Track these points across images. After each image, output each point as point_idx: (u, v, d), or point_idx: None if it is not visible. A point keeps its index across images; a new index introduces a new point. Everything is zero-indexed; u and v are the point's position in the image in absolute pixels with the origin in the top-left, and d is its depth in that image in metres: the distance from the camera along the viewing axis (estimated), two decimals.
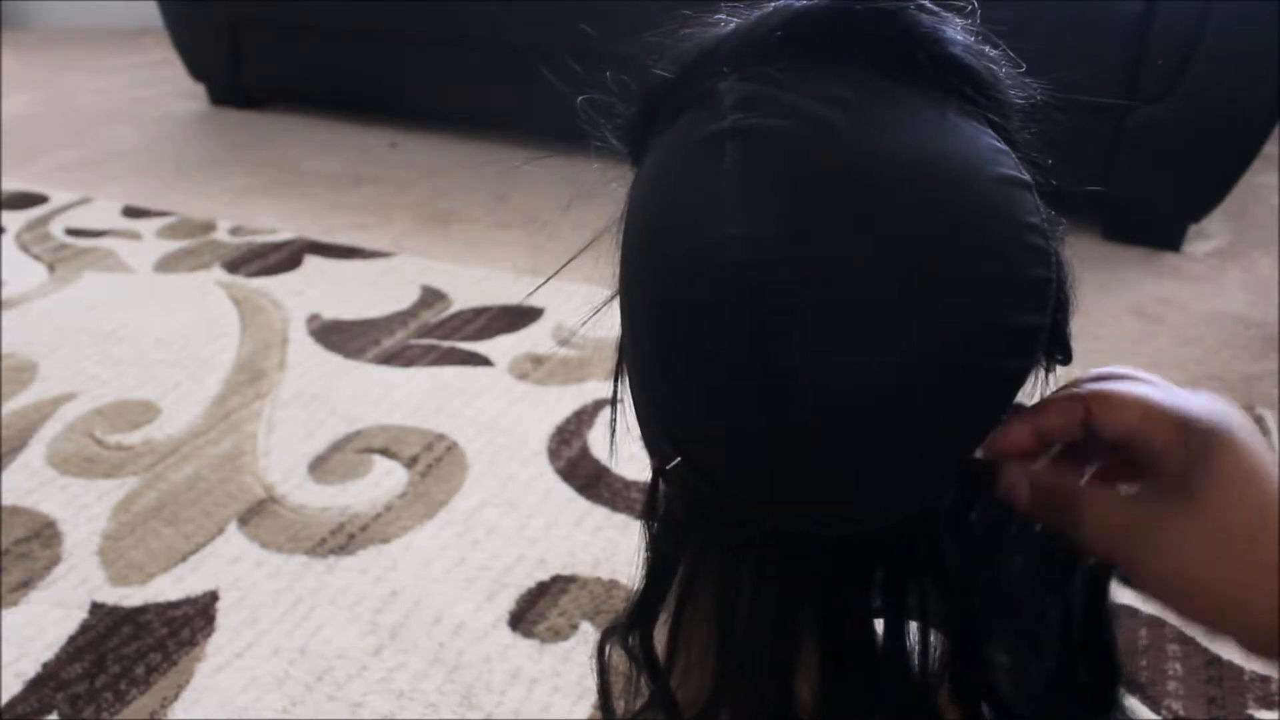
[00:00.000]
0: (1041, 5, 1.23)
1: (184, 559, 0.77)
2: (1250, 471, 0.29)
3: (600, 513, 0.83)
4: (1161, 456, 0.30)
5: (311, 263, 1.35)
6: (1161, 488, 0.30)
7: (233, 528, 0.81)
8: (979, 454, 0.33)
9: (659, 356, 0.33)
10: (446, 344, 1.12)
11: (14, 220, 1.51)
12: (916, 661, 0.37)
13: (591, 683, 0.65)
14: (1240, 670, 0.67)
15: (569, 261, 0.43)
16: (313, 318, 1.19)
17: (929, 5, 0.31)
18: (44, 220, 1.51)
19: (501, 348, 1.11)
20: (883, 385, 0.29)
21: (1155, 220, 1.42)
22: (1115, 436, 0.31)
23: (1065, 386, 0.34)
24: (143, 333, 1.15)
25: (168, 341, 1.12)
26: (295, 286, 1.28)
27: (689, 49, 0.34)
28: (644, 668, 0.40)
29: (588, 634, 0.70)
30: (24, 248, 1.40)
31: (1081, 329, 1.11)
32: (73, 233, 1.46)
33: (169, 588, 0.74)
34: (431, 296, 1.25)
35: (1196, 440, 0.29)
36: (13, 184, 1.68)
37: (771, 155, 0.29)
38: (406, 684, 0.66)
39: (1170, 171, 1.34)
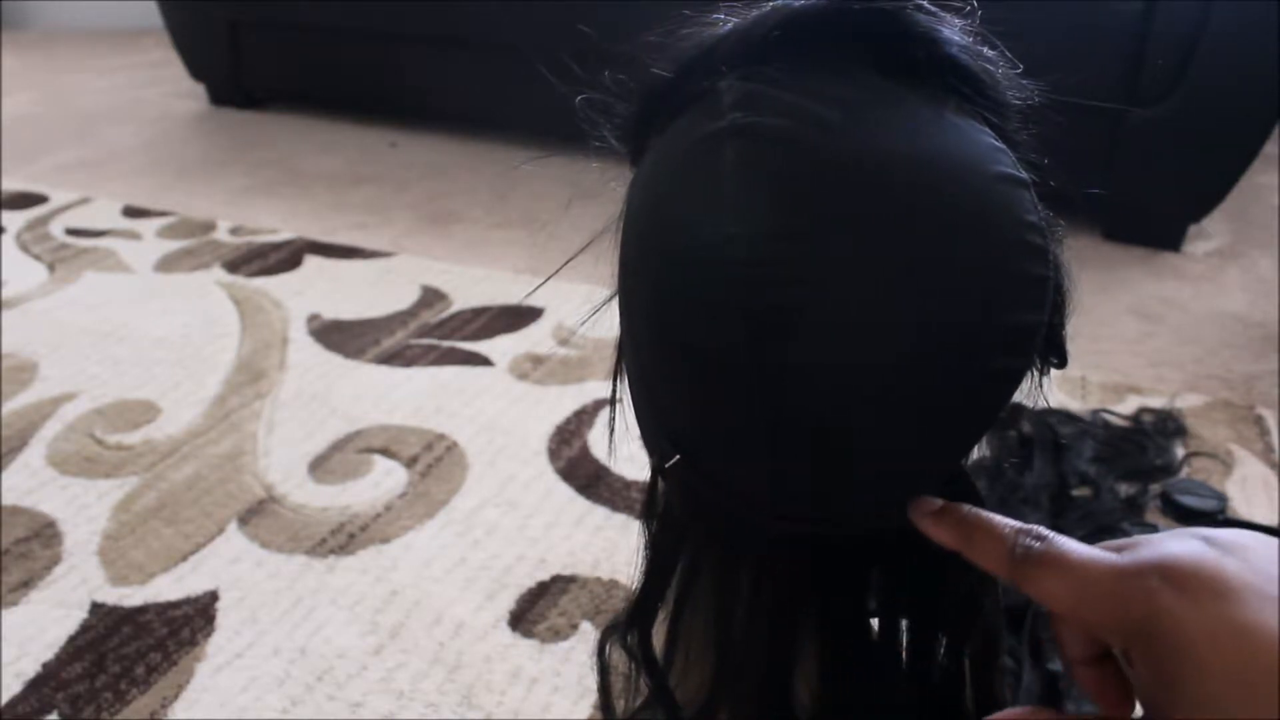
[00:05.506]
0: (1041, 5, 1.23)
1: (184, 559, 0.77)
2: (1232, 632, 0.23)
3: (600, 513, 0.83)
4: (1103, 636, 0.27)
5: (311, 263, 1.35)
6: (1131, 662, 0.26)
7: (233, 528, 0.81)
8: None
9: (657, 355, 0.33)
10: (446, 344, 1.12)
11: (14, 220, 1.51)
12: (916, 664, 0.37)
13: (592, 682, 0.65)
14: None
15: (568, 261, 0.43)
16: (313, 318, 1.19)
17: (926, 5, 0.32)
18: (44, 220, 1.51)
19: (501, 348, 1.11)
20: (880, 384, 0.29)
21: (1155, 220, 1.42)
22: (1051, 608, 0.28)
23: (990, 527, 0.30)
24: (143, 333, 1.15)
25: (168, 341, 1.13)
26: (295, 286, 1.28)
27: (688, 48, 0.34)
28: (642, 666, 0.40)
29: (588, 634, 0.70)
30: (24, 247, 1.40)
31: (1081, 329, 1.11)
32: (73, 232, 1.46)
33: (169, 588, 0.74)
34: (431, 296, 1.25)
35: (1137, 615, 0.25)
36: (13, 184, 1.68)
37: (770, 154, 0.29)
38: (406, 684, 0.66)
39: (1170, 171, 1.34)
